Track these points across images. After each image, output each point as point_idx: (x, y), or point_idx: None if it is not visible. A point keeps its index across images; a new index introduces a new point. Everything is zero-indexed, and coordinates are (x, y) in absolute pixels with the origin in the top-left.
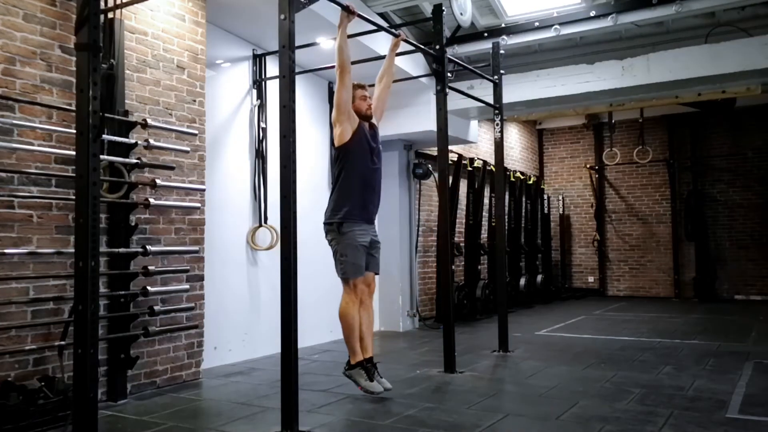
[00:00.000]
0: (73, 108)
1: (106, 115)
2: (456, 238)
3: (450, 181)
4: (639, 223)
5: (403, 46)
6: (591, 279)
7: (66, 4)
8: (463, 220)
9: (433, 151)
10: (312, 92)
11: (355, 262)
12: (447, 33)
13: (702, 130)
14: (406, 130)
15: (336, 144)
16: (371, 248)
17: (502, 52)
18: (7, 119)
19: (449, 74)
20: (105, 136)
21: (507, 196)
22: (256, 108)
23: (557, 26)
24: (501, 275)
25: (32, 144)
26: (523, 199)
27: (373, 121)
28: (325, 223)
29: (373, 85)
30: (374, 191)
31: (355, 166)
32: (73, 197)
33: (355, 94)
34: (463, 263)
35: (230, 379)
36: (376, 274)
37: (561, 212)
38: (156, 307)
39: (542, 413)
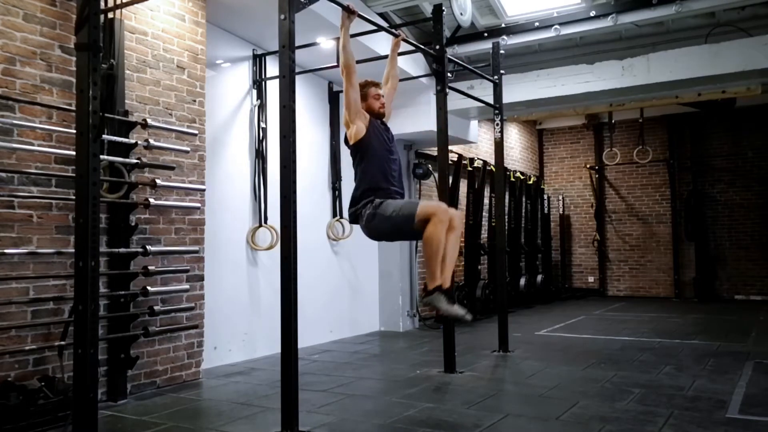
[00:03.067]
0: (73, 108)
1: (106, 115)
2: None
3: (450, 181)
4: (639, 223)
5: (404, 46)
6: (591, 279)
7: (66, 4)
8: (463, 220)
9: (433, 151)
10: (312, 92)
11: (407, 202)
12: (447, 33)
13: (702, 130)
14: (406, 130)
15: (352, 142)
16: None
17: (502, 52)
18: (7, 119)
19: (449, 74)
20: (105, 136)
21: (507, 196)
22: (256, 108)
23: (557, 26)
24: (501, 275)
25: (32, 144)
26: (523, 199)
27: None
28: (352, 212)
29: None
30: (396, 180)
31: (376, 154)
32: (73, 197)
33: (368, 92)
34: (463, 263)
35: (230, 379)
36: None
37: (561, 212)
38: (156, 307)
39: (542, 413)
